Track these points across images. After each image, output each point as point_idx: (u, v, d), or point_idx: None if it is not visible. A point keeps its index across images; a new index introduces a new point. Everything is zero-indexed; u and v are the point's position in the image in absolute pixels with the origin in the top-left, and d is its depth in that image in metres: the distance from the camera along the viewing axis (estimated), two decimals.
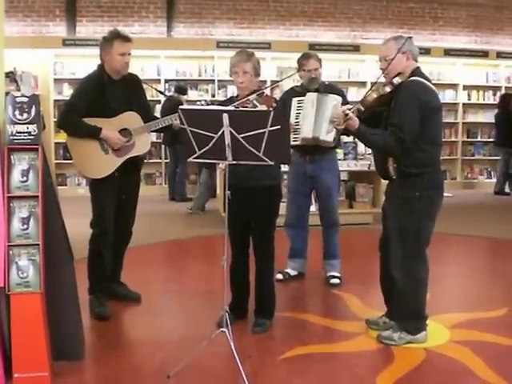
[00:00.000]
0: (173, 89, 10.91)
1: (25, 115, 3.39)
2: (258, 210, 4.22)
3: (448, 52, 12.51)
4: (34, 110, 3.40)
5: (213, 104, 10.03)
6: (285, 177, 7.74)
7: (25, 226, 3.34)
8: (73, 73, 11.20)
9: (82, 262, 4.50)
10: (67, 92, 11.05)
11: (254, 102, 3.98)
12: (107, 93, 4.44)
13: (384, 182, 4.20)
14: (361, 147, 8.21)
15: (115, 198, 4.57)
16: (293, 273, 5.61)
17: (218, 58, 11.55)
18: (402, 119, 3.76)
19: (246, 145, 3.46)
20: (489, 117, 13.13)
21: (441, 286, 5.16)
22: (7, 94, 3.49)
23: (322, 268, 5.58)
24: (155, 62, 11.62)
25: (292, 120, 5.09)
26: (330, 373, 3.67)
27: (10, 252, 3.31)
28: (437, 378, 3.63)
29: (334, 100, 4.93)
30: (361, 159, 8.26)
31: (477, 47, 12.93)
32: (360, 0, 12.69)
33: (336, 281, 5.42)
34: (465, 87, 12.91)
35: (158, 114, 9.26)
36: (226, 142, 3.47)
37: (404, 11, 12.91)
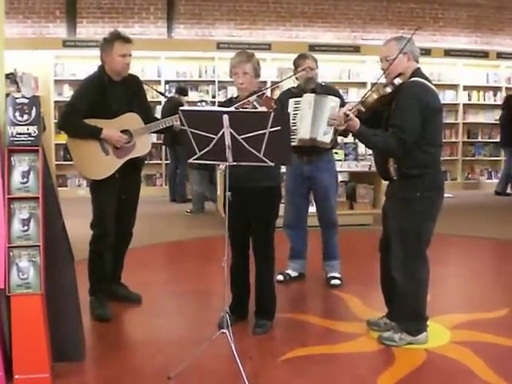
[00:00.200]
0: (173, 90, 10.92)
1: (25, 116, 3.39)
2: (257, 211, 4.21)
3: (448, 52, 12.51)
4: (34, 112, 3.40)
5: (207, 104, 10.06)
6: (285, 178, 7.79)
7: (25, 228, 3.34)
8: (73, 74, 11.20)
9: (82, 263, 4.50)
10: (68, 93, 11.06)
11: (254, 103, 3.98)
12: (108, 94, 4.44)
13: (385, 183, 4.20)
14: (361, 148, 8.20)
15: (116, 199, 4.57)
16: (293, 274, 5.60)
17: (218, 59, 11.55)
18: (403, 120, 3.75)
19: (247, 146, 3.45)
20: (489, 117, 13.15)
21: (441, 286, 5.15)
22: (8, 95, 3.49)
23: (322, 269, 5.57)
24: (155, 63, 11.62)
25: None
26: (330, 374, 3.66)
27: (11, 253, 3.31)
28: (438, 378, 3.62)
29: (332, 101, 4.94)
30: (361, 160, 8.24)
31: (477, 48, 12.94)
32: (360, 1, 12.69)
33: (336, 282, 5.42)
34: (465, 88, 12.92)
35: (158, 115, 9.26)
36: (227, 143, 3.47)
37: (404, 12, 12.92)
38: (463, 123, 13.02)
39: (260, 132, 3.40)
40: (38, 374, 3.34)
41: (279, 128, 3.39)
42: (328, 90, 5.34)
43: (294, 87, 5.52)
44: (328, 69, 11.35)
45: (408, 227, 3.85)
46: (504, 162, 12.31)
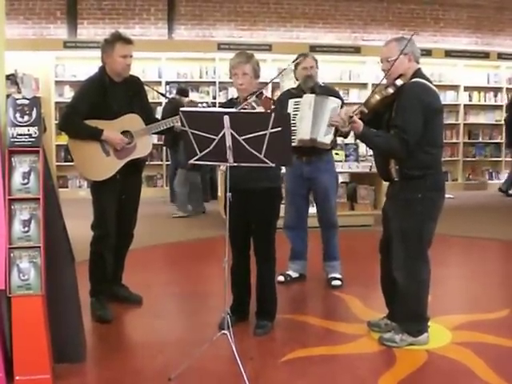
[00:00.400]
0: (174, 91, 10.92)
1: (26, 117, 3.39)
2: (258, 212, 4.21)
3: (449, 53, 12.52)
4: (34, 113, 3.40)
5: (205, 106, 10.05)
6: (285, 178, 7.78)
7: (26, 229, 3.34)
8: (74, 75, 11.21)
9: (83, 265, 4.50)
10: (68, 94, 11.07)
11: (253, 103, 3.98)
12: (109, 95, 4.44)
13: (385, 184, 4.20)
14: (362, 149, 8.21)
15: (116, 200, 4.57)
16: (294, 275, 5.60)
17: (218, 60, 11.56)
18: (405, 121, 3.75)
19: (247, 147, 3.45)
20: (490, 118, 13.16)
21: (442, 287, 5.15)
22: (8, 96, 3.49)
23: (323, 270, 5.57)
24: (156, 64, 11.63)
25: None
26: (331, 375, 3.66)
27: (11, 254, 3.31)
28: (439, 379, 3.62)
29: (333, 103, 4.94)
30: (362, 161, 8.24)
31: (478, 48, 12.95)
32: (361, 1, 12.70)
33: (337, 282, 5.41)
34: (466, 88, 12.92)
35: (159, 116, 9.26)
36: (227, 144, 3.47)
37: (405, 13, 12.92)
38: (464, 124, 13.02)
39: (261, 133, 3.41)
40: (39, 375, 3.34)
41: (280, 129, 3.39)
42: (327, 90, 5.34)
43: (293, 88, 5.52)
44: (329, 70, 11.34)
45: (409, 228, 3.85)
46: None
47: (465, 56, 12.65)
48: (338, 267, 5.51)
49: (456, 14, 13.09)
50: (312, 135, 4.99)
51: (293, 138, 5.03)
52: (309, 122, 5.01)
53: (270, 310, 4.37)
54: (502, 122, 12.89)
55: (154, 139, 10.30)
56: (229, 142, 3.46)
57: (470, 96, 13.06)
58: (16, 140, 3.37)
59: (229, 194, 3.75)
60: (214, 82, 11.89)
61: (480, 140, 13.26)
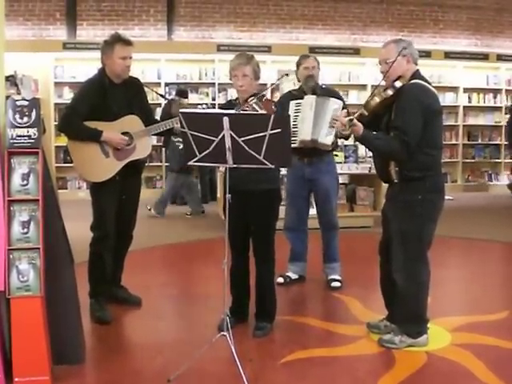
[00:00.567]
0: (173, 92, 10.92)
1: (25, 119, 3.39)
2: (257, 213, 4.21)
3: (448, 55, 12.54)
4: (34, 114, 3.40)
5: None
6: (285, 180, 7.78)
7: (25, 230, 3.34)
8: (73, 76, 11.21)
9: (82, 266, 4.50)
10: (68, 96, 11.07)
11: (254, 105, 3.98)
12: (108, 96, 4.43)
13: (385, 185, 4.19)
14: (361, 150, 8.21)
15: (116, 202, 4.57)
16: (294, 276, 5.59)
17: (218, 62, 11.56)
18: (405, 122, 3.75)
19: (247, 148, 3.45)
20: (489, 119, 13.17)
21: (442, 289, 5.15)
22: (8, 97, 3.49)
23: (323, 271, 5.57)
24: (156, 66, 11.63)
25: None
26: (330, 377, 3.66)
27: (11, 256, 3.31)
28: (438, 381, 3.61)
29: (335, 104, 4.94)
30: (361, 162, 8.24)
31: (477, 50, 12.96)
32: (360, 3, 12.71)
33: (337, 284, 5.41)
34: (465, 90, 12.93)
35: (158, 117, 9.26)
36: (227, 146, 3.47)
37: (404, 14, 12.93)
38: (463, 125, 13.03)
39: (260, 134, 3.40)
40: (38, 376, 3.33)
41: (279, 130, 3.39)
42: (328, 92, 5.34)
43: (294, 89, 5.53)
44: (328, 71, 11.35)
45: (409, 230, 3.85)
46: None
47: (464, 57, 12.66)
48: (337, 269, 5.51)
49: (455, 15, 13.10)
50: (313, 136, 4.99)
51: (294, 139, 5.05)
52: (310, 122, 5.02)
53: (270, 311, 4.37)
54: (502, 124, 12.93)
55: (154, 140, 10.33)
56: (228, 143, 3.46)
57: (469, 97, 13.07)
58: (15, 141, 3.37)
59: (228, 196, 3.75)
60: (214, 84, 11.89)
61: (479, 141, 13.27)
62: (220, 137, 3.45)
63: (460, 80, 12.83)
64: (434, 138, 3.89)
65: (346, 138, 4.36)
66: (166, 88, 11.62)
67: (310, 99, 5.12)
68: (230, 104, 4.40)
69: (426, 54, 11.72)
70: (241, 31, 12.30)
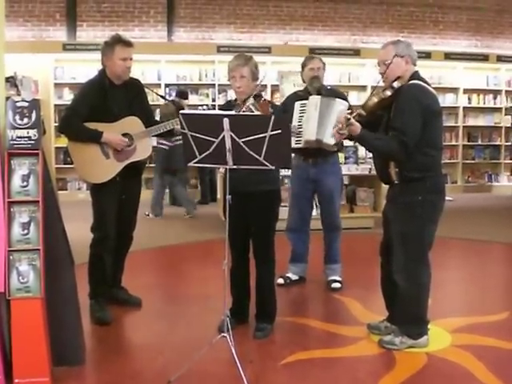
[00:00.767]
0: (173, 93, 10.92)
1: (25, 120, 3.38)
2: (257, 214, 4.21)
3: (448, 56, 12.55)
4: (34, 115, 3.40)
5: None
6: (285, 181, 7.79)
7: (25, 231, 3.34)
8: (73, 77, 11.23)
9: (82, 267, 4.50)
10: (68, 97, 11.09)
11: (251, 106, 3.97)
12: (109, 98, 4.43)
13: (385, 186, 4.19)
14: (361, 151, 8.21)
15: (116, 203, 4.57)
16: (294, 277, 5.59)
17: (218, 63, 11.57)
18: (404, 123, 3.75)
19: (247, 149, 3.45)
20: (489, 120, 13.18)
21: (442, 290, 5.14)
22: (8, 98, 3.49)
23: (323, 272, 5.56)
24: (156, 67, 11.64)
25: (295, 123, 5.11)
26: (331, 378, 3.65)
27: (11, 257, 3.30)
28: (438, 382, 3.61)
29: (341, 105, 4.93)
30: (361, 163, 8.25)
31: (477, 51, 12.97)
32: (360, 4, 12.72)
33: (337, 285, 5.41)
34: (465, 91, 12.95)
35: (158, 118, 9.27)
36: (227, 147, 3.47)
37: (404, 15, 12.94)
38: (463, 126, 13.04)
39: (260, 135, 3.40)
40: (38, 377, 3.33)
41: (279, 131, 3.39)
42: (334, 93, 5.35)
43: (300, 90, 5.54)
44: (328, 72, 11.27)
45: (410, 231, 3.85)
46: None
47: (464, 58, 12.67)
48: (338, 270, 5.50)
49: (455, 16, 13.11)
50: (318, 136, 4.98)
51: (299, 139, 5.05)
52: (315, 122, 5.01)
53: (270, 312, 4.37)
54: (501, 125, 12.94)
55: (154, 142, 10.33)
56: (228, 144, 3.46)
57: (469, 98, 13.08)
58: (15, 142, 3.37)
59: (228, 197, 3.74)
60: (214, 85, 11.90)
61: (479, 142, 13.29)
62: (220, 138, 3.45)
63: (460, 81, 12.84)
64: (434, 139, 3.89)
65: (351, 139, 4.35)
66: (166, 89, 11.64)
67: (315, 99, 5.12)
68: (228, 105, 4.40)
69: (426, 55, 11.75)
70: (241, 32, 12.31)
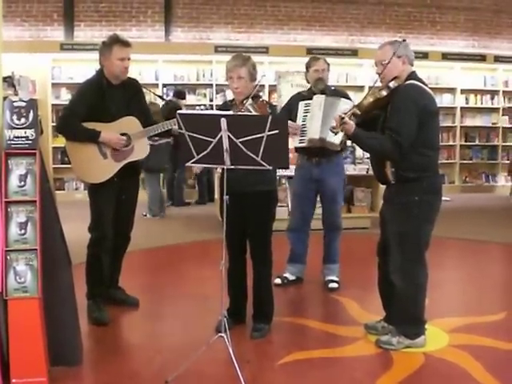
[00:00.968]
0: (171, 93, 10.93)
1: (22, 120, 3.38)
2: (254, 215, 4.21)
3: (446, 56, 12.56)
4: (31, 115, 3.40)
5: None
6: (283, 181, 7.79)
7: (22, 231, 3.33)
8: (71, 77, 11.22)
9: (80, 267, 4.51)
10: (65, 96, 11.08)
11: (249, 107, 3.97)
12: (106, 98, 4.43)
13: (382, 186, 4.19)
14: (359, 151, 8.21)
15: (114, 203, 4.56)
16: (291, 277, 5.58)
17: (215, 63, 11.58)
18: (399, 123, 3.75)
19: (244, 149, 3.45)
20: (487, 121, 13.20)
21: (439, 290, 5.15)
22: (5, 98, 3.48)
23: (321, 272, 5.56)
24: (153, 67, 11.63)
25: (299, 123, 5.12)
26: (328, 378, 3.65)
27: (8, 257, 3.30)
28: (436, 382, 3.62)
29: (345, 104, 4.93)
30: (359, 163, 8.26)
31: (474, 51, 12.98)
32: (358, 4, 12.72)
33: (334, 285, 5.41)
34: (462, 91, 12.96)
35: None
36: (224, 147, 3.47)
37: (402, 15, 12.95)
38: (461, 126, 13.05)
39: (258, 135, 3.41)
40: (35, 378, 3.33)
41: (277, 131, 3.39)
42: (338, 93, 5.36)
43: (304, 91, 5.55)
44: None
45: (407, 231, 3.85)
46: None
47: (461, 59, 12.68)
48: (336, 270, 5.50)
49: (453, 16, 13.12)
50: (321, 135, 4.97)
51: (303, 138, 5.06)
52: (318, 121, 5.01)
53: (267, 312, 4.37)
54: (499, 125, 12.97)
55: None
56: (226, 144, 3.46)
57: (466, 99, 13.09)
58: (13, 142, 3.37)
59: (226, 197, 3.74)
60: (211, 85, 11.89)
61: (477, 143, 13.30)
62: (218, 138, 3.45)
63: (457, 81, 12.85)
64: (431, 139, 3.89)
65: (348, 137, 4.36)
66: (164, 89, 11.63)
67: (319, 98, 5.13)
68: (226, 105, 4.40)
69: (424, 56, 11.76)
70: (238, 32, 12.30)
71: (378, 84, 3.96)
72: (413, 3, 12.93)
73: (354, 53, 12.13)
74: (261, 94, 4.25)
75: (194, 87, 11.89)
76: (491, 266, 6.80)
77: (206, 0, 12.17)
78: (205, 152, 3.54)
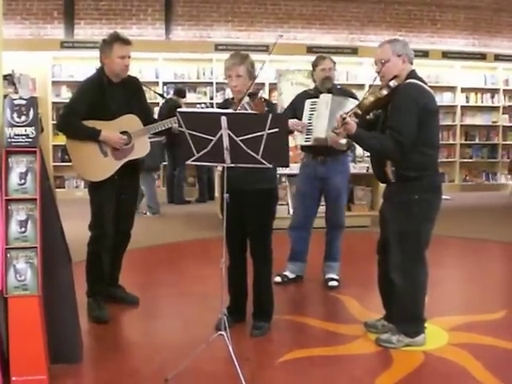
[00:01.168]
0: (171, 91, 10.92)
1: (23, 118, 3.38)
2: (254, 213, 4.21)
3: (446, 55, 12.55)
4: (31, 113, 3.40)
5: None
6: (283, 179, 7.79)
7: (23, 229, 3.33)
8: (71, 75, 11.21)
9: (80, 265, 4.51)
10: (65, 94, 11.08)
11: (245, 105, 3.97)
12: (107, 96, 4.43)
13: (382, 185, 4.19)
14: (359, 150, 8.21)
15: (114, 201, 4.57)
16: (291, 275, 5.59)
17: (216, 61, 11.56)
18: (400, 122, 3.75)
19: (245, 147, 3.46)
20: (487, 119, 13.19)
21: (439, 288, 5.15)
22: (5, 96, 3.48)
23: (321, 271, 5.56)
24: (153, 65, 11.62)
25: (305, 121, 5.12)
26: (328, 376, 3.66)
27: (8, 255, 3.30)
28: (435, 380, 3.62)
29: (352, 103, 4.92)
30: (359, 162, 8.27)
31: (475, 50, 12.97)
32: (358, 2, 12.70)
33: (334, 283, 5.41)
34: (463, 90, 12.94)
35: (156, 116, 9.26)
36: (225, 145, 3.47)
37: (402, 14, 12.94)
38: (461, 125, 13.04)
39: (258, 134, 3.41)
40: (35, 375, 3.33)
41: (277, 130, 3.39)
42: (344, 92, 5.36)
43: (310, 89, 5.56)
44: None
45: (407, 230, 3.85)
46: None
47: (462, 57, 12.67)
48: (336, 268, 5.51)
49: (453, 15, 13.11)
50: (328, 133, 4.97)
51: (309, 137, 5.06)
52: (325, 120, 5.01)
53: (267, 310, 4.37)
54: (499, 124, 12.96)
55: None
56: (226, 142, 3.46)
57: (466, 97, 13.08)
58: (13, 140, 3.37)
59: (226, 195, 3.74)
60: (211, 83, 11.88)
61: (477, 141, 13.29)
62: (218, 136, 3.45)
63: (457, 80, 12.84)
64: (431, 138, 3.89)
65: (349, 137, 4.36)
66: (164, 87, 11.62)
67: (326, 97, 5.13)
68: (226, 103, 4.40)
69: (424, 54, 11.75)
70: (238, 30, 12.29)
71: (378, 82, 3.97)
72: (413, 1, 12.93)
73: (354, 51, 12.12)
74: (261, 91, 4.23)
75: (194, 85, 11.88)
76: (491, 264, 6.80)
77: None
78: (205, 150, 3.54)
